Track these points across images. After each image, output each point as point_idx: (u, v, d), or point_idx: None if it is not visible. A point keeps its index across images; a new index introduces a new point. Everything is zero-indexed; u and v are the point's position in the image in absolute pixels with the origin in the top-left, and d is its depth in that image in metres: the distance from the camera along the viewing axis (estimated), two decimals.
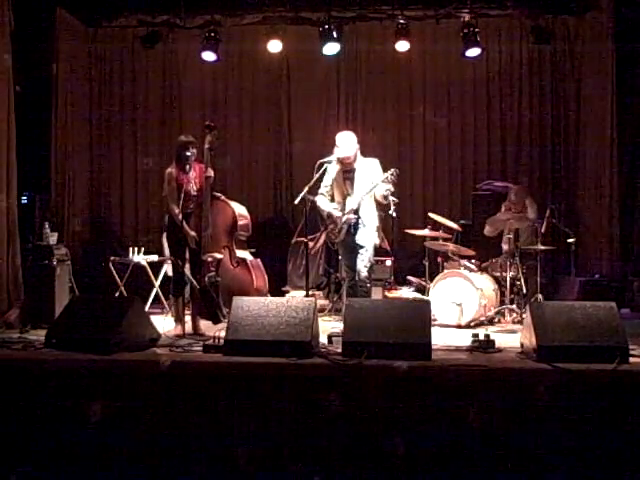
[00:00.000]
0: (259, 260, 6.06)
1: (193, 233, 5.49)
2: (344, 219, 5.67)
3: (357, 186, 5.68)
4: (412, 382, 3.93)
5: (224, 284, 5.46)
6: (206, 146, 5.67)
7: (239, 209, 6.03)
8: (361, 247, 5.69)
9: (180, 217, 5.43)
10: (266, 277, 6.02)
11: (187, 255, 5.62)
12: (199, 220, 5.57)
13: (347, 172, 5.75)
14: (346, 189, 5.76)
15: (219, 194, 5.93)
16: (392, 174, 5.45)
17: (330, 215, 5.77)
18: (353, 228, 5.70)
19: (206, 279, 5.35)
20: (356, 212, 5.66)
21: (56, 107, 8.04)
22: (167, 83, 8.92)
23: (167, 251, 7.26)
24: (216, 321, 5.45)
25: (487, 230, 7.05)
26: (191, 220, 5.59)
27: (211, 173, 5.62)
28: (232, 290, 5.39)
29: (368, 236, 5.68)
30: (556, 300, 6.69)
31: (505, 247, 7.00)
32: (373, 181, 5.60)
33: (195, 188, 5.59)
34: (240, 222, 5.94)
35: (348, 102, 8.85)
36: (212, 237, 5.56)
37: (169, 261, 7.13)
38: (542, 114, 8.59)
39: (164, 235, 7.34)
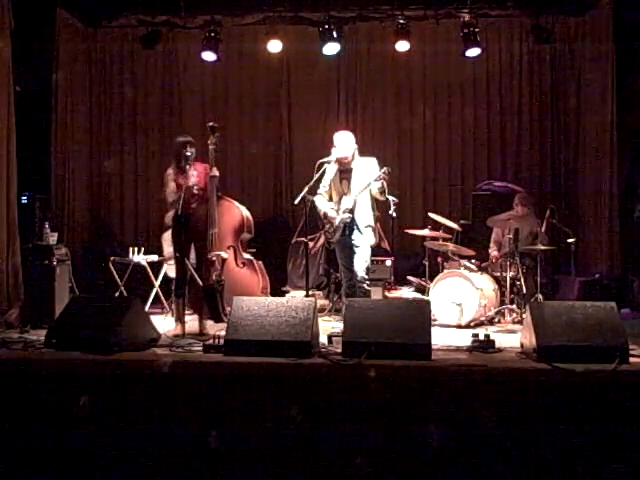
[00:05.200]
0: (261, 262, 6.07)
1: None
2: (339, 219, 5.67)
3: (354, 186, 5.67)
4: (412, 382, 3.93)
5: (227, 284, 5.45)
6: (211, 146, 5.68)
7: (245, 210, 6.05)
8: (357, 247, 5.68)
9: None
10: (268, 279, 6.03)
11: (192, 254, 5.63)
12: (204, 219, 5.56)
13: (344, 172, 5.75)
14: (343, 189, 5.75)
15: (225, 195, 5.93)
16: (384, 172, 5.45)
17: (326, 215, 5.76)
18: (349, 228, 5.68)
19: (213, 277, 5.34)
20: (351, 212, 5.65)
21: (56, 107, 8.05)
22: (167, 83, 8.93)
23: (165, 251, 7.29)
24: (218, 320, 5.45)
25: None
26: (193, 219, 5.59)
27: (216, 173, 5.61)
28: (236, 290, 5.39)
29: (364, 236, 5.67)
30: (556, 300, 6.70)
31: (494, 252, 6.98)
32: (368, 179, 5.59)
33: (196, 187, 5.58)
34: (247, 223, 5.95)
35: (348, 102, 8.86)
36: (218, 236, 5.55)
37: (169, 261, 7.15)
38: (542, 114, 8.60)
39: (163, 235, 7.36)
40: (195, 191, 5.55)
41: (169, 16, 8.34)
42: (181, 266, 5.56)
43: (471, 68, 8.54)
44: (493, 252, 7.02)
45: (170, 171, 5.68)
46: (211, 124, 5.81)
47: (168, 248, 7.23)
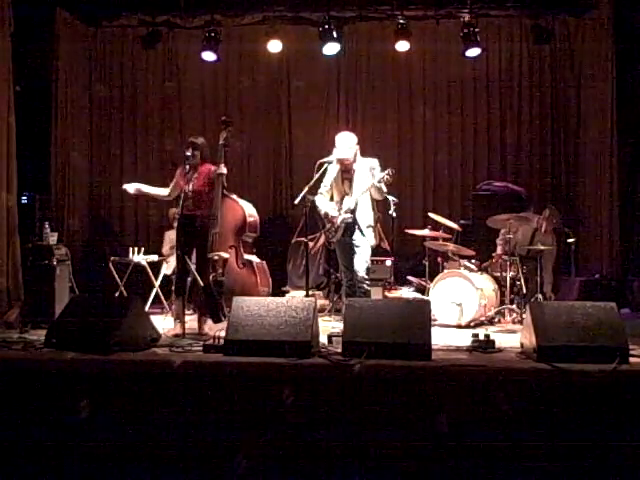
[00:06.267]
0: (264, 262, 6.01)
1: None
2: (340, 219, 5.66)
3: (355, 186, 5.67)
4: (412, 382, 3.93)
5: (228, 284, 5.44)
6: (220, 142, 5.61)
7: (249, 209, 5.94)
8: (357, 247, 5.67)
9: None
10: (270, 280, 5.98)
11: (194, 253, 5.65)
12: (203, 221, 5.54)
13: (346, 172, 5.74)
14: (344, 189, 5.74)
15: (230, 193, 5.86)
16: (388, 174, 5.43)
17: (327, 215, 5.75)
18: (349, 228, 5.68)
19: (211, 278, 5.32)
20: (353, 212, 5.64)
21: (56, 107, 8.04)
22: (167, 83, 8.92)
23: (164, 248, 7.29)
24: (217, 320, 5.44)
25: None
26: (192, 221, 5.56)
27: (223, 170, 5.53)
28: (235, 291, 5.37)
29: (364, 236, 5.66)
30: (556, 300, 6.70)
31: (500, 248, 6.99)
32: (370, 181, 5.58)
33: (192, 189, 5.52)
34: (249, 223, 5.87)
35: (348, 102, 8.87)
36: (220, 236, 5.51)
37: (168, 259, 7.16)
38: (542, 114, 8.60)
39: (167, 233, 7.38)
40: (190, 195, 5.51)
41: (169, 16, 8.36)
42: (182, 265, 5.54)
43: (471, 68, 8.55)
44: (498, 249, 7.01)
45: (178, 170, 5.69)
46: (223, 118, 5.72)
47: (166, 246, 7.26)
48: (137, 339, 4.55)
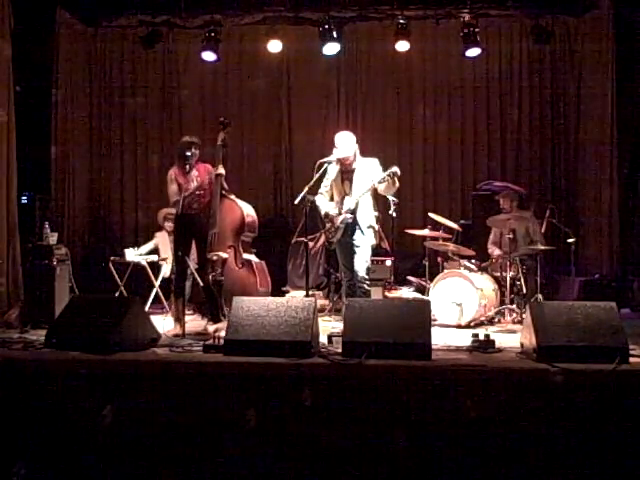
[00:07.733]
0: (263, 262, 6.01)
1: None
2: (341, 219, 5.65)
3: (356, 186, 5.66)
4: (412, 382, 3.93)
5: (227, 284, 5.44)
6: (219, 142, 5.63)
7: (247, 209, 5.95)
8: (357, 247, 5.66)
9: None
10: (269, 280, 5.98)
11: (193, 253, 5.65)
12: (205, 220, 5.55)
13: (346, 172, 5.73)
14: (344, 189, 5.74)
15: (230, 194, 5.87)
16: (390, 175, 5.40)
17: (327, 215, 5.75)
18: (350, 228, 5.67)
19: (210, 278, 5.32)
20: (353, 212, 5.64)
21: (56, 107, 8.05)
22: (167, 83, 8.93)
23: (161, 249, 7.29)
24: (216, 320, 5.45)
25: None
26: (195, 220, 5.56)
27: (222, 171, 5.55)
28: (235, 291, 5.37)
29: (365, 236, 5.65)
30: (556, 300, 6.70)
31: (497, 252, 6.95)
32: (372, 181, 5.58)
33: (196, 186, 5.54)
34: (248, 223, 5.88)
35: (348, 102, 8.87)
36: (218, 236, 5.52)
37: (168, 260, 7.15)
38: (542, 114, 8.60)
39: (157, 234, 7.38)
40: (196, 194, 5.52)
41: (169, 16, 8.36)
42: (180, 266, 5.55)
43: (471, 68, 8.55)
44: (495, 252, 6.99)
45: (172, 171, 5.67)
46: (221, 119, 5.75)
47: (162, 247, 7.26)
48: (137, 339, 4.55)
